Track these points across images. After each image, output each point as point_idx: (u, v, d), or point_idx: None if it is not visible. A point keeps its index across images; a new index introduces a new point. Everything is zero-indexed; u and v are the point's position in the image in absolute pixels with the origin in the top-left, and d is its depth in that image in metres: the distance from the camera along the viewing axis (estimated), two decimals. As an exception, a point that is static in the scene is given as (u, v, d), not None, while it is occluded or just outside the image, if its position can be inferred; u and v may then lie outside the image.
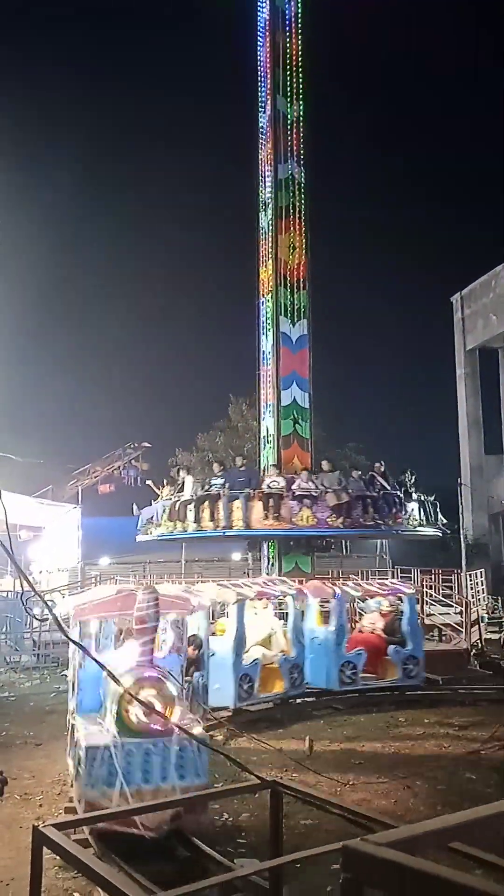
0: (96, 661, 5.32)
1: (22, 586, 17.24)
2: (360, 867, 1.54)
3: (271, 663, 11.34)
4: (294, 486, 15.67)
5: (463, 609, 16.25)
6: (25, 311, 32.57)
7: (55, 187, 53.22)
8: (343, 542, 29.02)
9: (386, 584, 13.89)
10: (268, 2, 18.95)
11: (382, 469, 16.62)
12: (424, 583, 18.40)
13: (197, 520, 15.98)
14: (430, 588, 18.17)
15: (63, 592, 17.77)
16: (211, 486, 16.16)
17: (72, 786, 7.01)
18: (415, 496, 16.66)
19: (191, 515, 16.07)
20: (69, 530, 25.48)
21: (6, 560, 21.04)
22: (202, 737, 6.07)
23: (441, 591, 18.29)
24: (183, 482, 17.01)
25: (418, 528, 16.70)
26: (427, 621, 16.60)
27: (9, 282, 26.20)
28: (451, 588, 18.79)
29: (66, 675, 11.31)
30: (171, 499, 16.89)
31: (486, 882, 1.41)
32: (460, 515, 26.15)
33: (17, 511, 21.88)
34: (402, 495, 16.34)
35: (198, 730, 6.24)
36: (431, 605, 17.26)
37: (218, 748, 6.04)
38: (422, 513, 16.74)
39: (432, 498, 17.50)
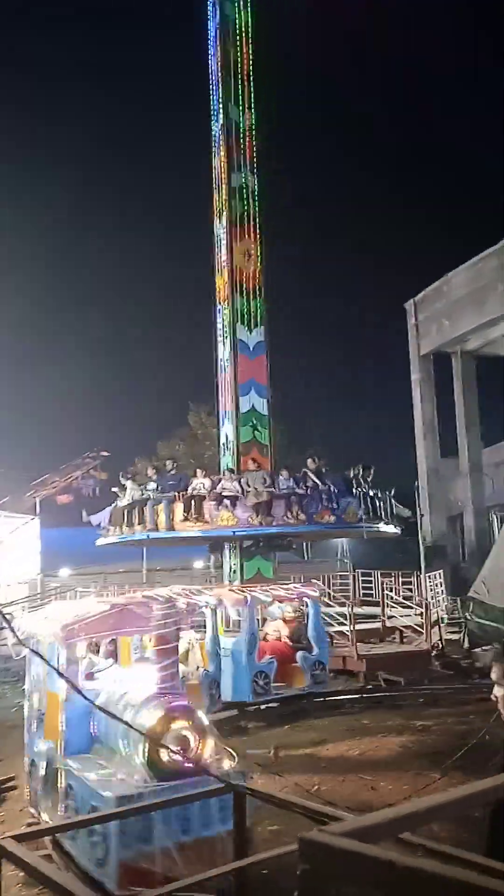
0: (97, 704, 4.71)
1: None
2: (316, 858, 1.55)
3: (191, 680, 10.70)
4: (217, 488, 15.74)
5: (423, 610, 16.42)
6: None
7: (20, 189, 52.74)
8: (303, 544, 29.11)
9: (291, 587, 13.37)
10: (217, 11, 19.06)
11: (315, 466, 16.62)
12: (385, 584, 18.51)
13: (130, 524, 16.13)
14: (391, 590, 18.30)
15: (24, 606, 17.48)
16: (146, 491, 16.27)
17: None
18: (356, 491, 16.52)
19: (126, 520, 16.33)
20: (28, 542, 25.11)
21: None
22: (237, 774, 5.08)
23: (401, 593, 18.44)
24: (126, 488, 17.24)
25: (361, 524, 16.55)
26: (388, 623, 16.73)
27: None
28: (411, 590, 18.94)
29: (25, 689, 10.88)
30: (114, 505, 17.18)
31: (445, 866, 1.43)
32: (418, 518, 26.44)
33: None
34: (335, 491, 16.25)
35: (229, 763, 5.40)
36: (392, 606, 17.40)
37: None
38: (370, 508, 16.66)
39: (391, 492, 17.44)
